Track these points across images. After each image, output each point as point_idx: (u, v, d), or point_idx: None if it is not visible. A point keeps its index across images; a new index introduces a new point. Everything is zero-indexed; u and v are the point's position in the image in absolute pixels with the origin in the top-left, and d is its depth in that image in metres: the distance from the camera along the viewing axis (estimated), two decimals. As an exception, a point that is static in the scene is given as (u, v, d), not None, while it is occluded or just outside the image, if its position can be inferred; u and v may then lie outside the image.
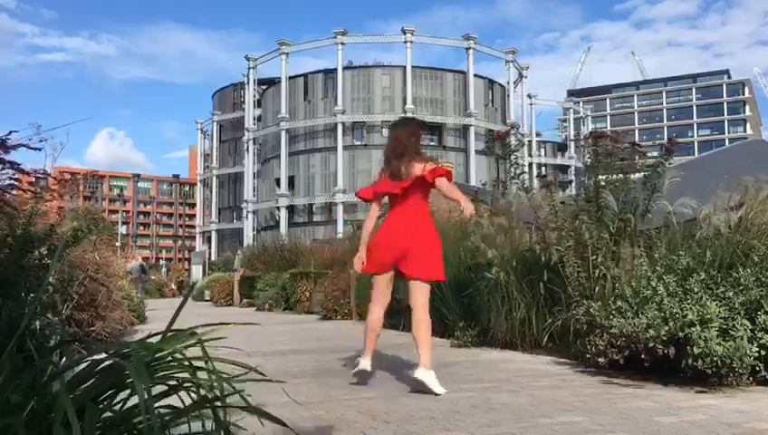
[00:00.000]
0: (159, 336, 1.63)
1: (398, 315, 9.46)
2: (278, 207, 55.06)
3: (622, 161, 6.17)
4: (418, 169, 4.41)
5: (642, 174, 6.10)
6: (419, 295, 4.44)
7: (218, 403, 1.49)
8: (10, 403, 1.42)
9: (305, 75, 57.26)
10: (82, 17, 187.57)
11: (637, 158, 6.30)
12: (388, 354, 6.61)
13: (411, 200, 4.44)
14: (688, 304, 4.30)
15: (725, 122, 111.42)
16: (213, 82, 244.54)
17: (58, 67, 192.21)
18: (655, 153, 6.51)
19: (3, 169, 3.53)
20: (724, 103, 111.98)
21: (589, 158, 6.41)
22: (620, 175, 6.05)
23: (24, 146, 3.49)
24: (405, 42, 55.03)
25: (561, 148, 78.11)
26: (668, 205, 5.55)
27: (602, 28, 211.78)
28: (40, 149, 3.78)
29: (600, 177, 6.02)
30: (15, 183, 3.86)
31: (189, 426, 1.50)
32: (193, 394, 1.55)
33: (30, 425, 1.36)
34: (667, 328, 4.28)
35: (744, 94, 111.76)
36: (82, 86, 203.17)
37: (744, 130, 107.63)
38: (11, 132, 3.47)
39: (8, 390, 1.42)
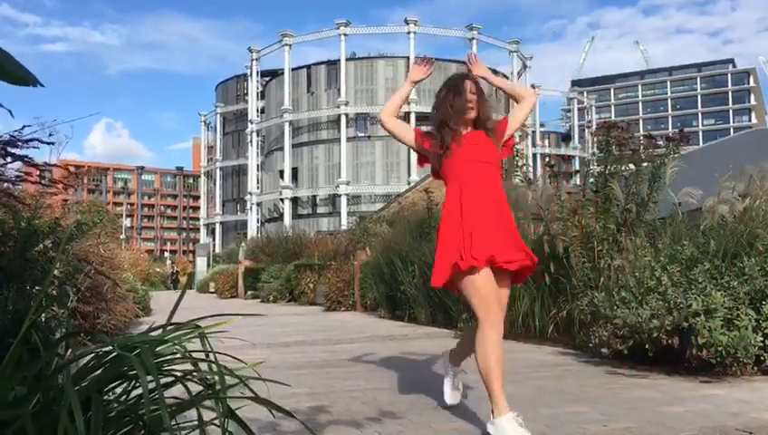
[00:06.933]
0: (163, 329, 1.63)
1: (403, 306, 9.49)
2: (282, 199, 55.06)
3: (632, 152, 6.15)
4: None
5: (647, 164, 6.08)
6: None
7: (223, 394, 1.50)
8: (16, 395, 1.42)
9: (308, 66, 57.09)
10: (85, 7, 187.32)
11: (648, 148, 6.27)
12: (394, 345, 6.63)
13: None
14: (693, 293, 4.29)
15: (730, 112, 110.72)
16: (214, 71, 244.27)
17: (59, 57, 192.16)
18: (660, 143, 6.50)
19: (12, 162, 3.55)
20: (729, 93, 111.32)
21: (599, 148, 6.39)
22: (631, 165, 6.04)
23: (36, 140, 3.50)
24: (408, 32, 54.78)
25: (565, 138, 77.80)
26: (673, 195, 5.54)
27: (610, 14, 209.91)
28: (53, 144, 3.80)
29: (610, 167, 6.01)
30: (23, 176, 3.89)
31: (199, 415, 1.51)
32: (198, 385, 1.56)
33: (36, 417, 1.36)
34: (671, 318, 4.28)
35: (749, 83, 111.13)
36: (83, 76, 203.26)
37: (749, 120, 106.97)
38: (24, 127, 3.48)
39: (14, 382, 1.43)
